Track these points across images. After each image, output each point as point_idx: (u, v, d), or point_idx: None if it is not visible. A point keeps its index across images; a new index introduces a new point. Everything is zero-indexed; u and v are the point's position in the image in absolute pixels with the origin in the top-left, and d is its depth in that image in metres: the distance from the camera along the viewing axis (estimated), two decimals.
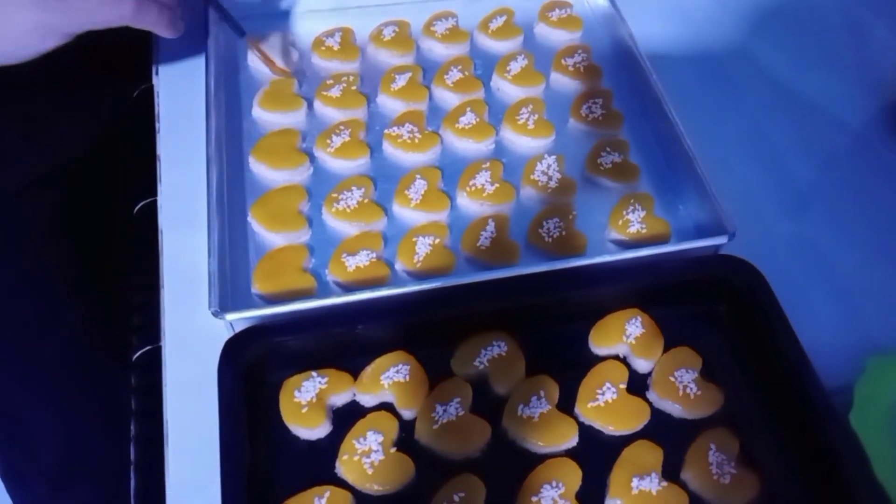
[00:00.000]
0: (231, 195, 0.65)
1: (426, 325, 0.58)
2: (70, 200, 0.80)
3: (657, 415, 0.56)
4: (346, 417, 0.55)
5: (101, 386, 0.88)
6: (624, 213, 0.65)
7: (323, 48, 0.76)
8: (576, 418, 0.55)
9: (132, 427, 0.59)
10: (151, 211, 0.68)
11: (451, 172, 0.69)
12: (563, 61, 0.76)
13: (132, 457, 0.58)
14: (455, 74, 0.74)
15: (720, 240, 0.61)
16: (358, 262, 0.61)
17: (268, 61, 0.73)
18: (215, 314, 0.55)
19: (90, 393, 0.88)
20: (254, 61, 0.75)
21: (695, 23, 0.84)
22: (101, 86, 0.79)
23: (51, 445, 0.89)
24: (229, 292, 0.59)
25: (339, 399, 0.56)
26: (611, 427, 0.55)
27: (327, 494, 0.51)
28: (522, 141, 0.71)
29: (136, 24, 0.60)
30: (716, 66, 0.81)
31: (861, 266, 0.67)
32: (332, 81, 0.73)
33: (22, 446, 0.90)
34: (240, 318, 0.56)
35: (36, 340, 0.81)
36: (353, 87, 0.73)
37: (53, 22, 0.57)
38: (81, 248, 0.83)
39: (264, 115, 0.71)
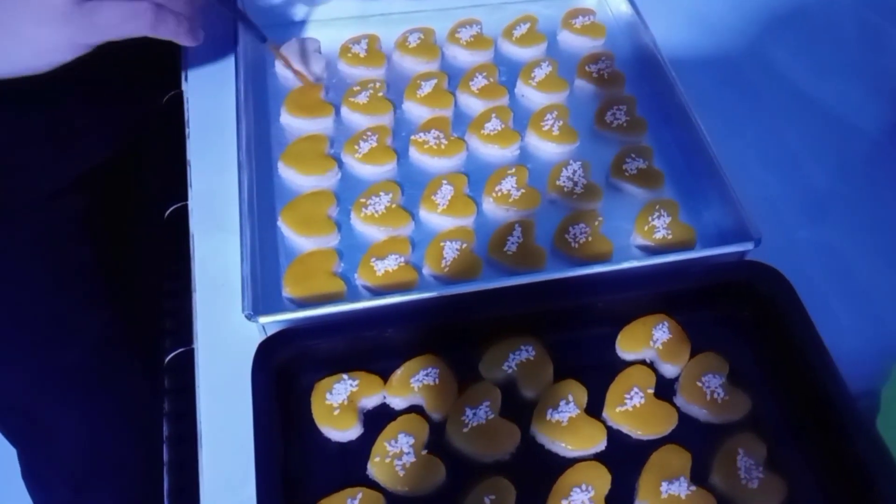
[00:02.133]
0: (260, 200, 0.66)
1: (454, 328, 0.59)
2: (100, 205, 0.81)
3: (684, 419, 0.57)
4: (377, 419, 0.56)
5: (126, 389, 0.89)
6: (649, 218, 0.65)
7: (350, 55, 0.77)
8: (604, 422, 0.56)
9: (165, 428, 0.60)
10: (181, 216, 0.69)
11: (476, 178, 0.69)
12: (586, 68, 0.77)
13: (165, 457, 0.59)
14: (480, 81, 0.75)
15: (746, 246, 0.62)
16: (387, 267, 0.62)
17: (289, 66, 0.74)
18: (248, 317, 0.56)
19: (114, 396, 0.88)
20: (281, 67, 0.76)
21: (715, 30, 0.85)
22: (130, 92, 0.80)
23: (73, 447, 0.89)
24: (260, 296, 0.60)
25: (370, 402, 0.57)
26: (639, 431, 0.55)
27: (360, 496, 0.52)
28: (547, 147, 0.72)
29: (155, 35, 0.61)
30: (736, 73, 0.81)
31: (884, 272, 0.68)
32: (358, 88, 0.74)
33: (44, 448, 0.90)
34: (272, 322, 0.57)
35: (62, 343, 0.82)
36: (380, 94, 0.74)
37: (75, 36, 0.58)
38: (110, 253, 0.84)
39: (292, 121, 0.72)
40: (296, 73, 0.74)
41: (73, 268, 0.81)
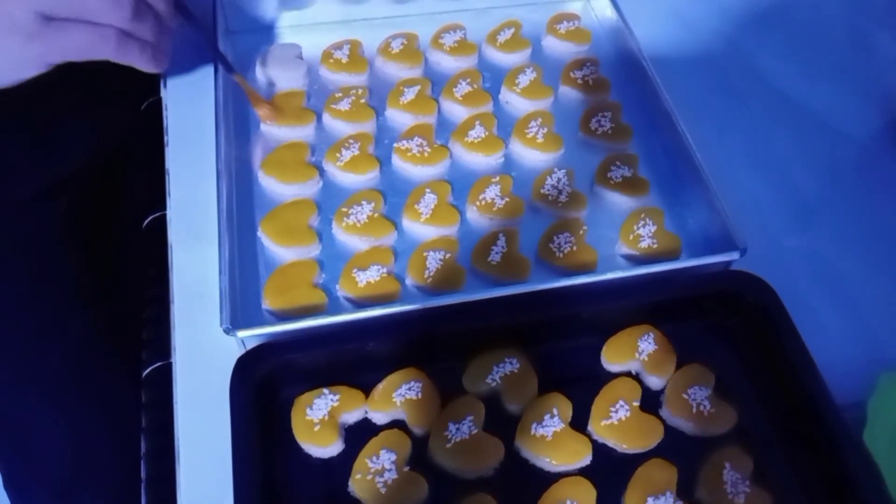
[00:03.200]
0: (240, 209, 0.65)
1: (437, 340, 0.58)
2: (79, 211, 0.80)
3: (670, 432, 0.56)
4: (358, 434, 0.55)
5: (109, 397, 0.88)
6: (635, 227, 0.65)
7: (331, 61, 0.76)
8: (589, 436, 0.55)
9: (142, 443, 0.59)
10: (160, 225, 0.68)
11: (460, 186, 0.69)
12: (571, 74, 0.76)
13: (143, 473, 0.58)
14: (464, 87, 0.74)
15: (731, 256, 0.61)
16: (369, 278, 0.61)
17: (253, 98, 0.71)
18: (227, 331, 0.55)
19: (97, 404, 0.87)
20: (261, 73, 0.75)
21: (702, 35, 0.84)
22: (110, 96, 0.79)
23: (55, 456, 0.88)
24: (240, 308, 0.59)
25: (352, 417, 0.56)
26: (624, 445, 0.55)
27: None
28: (531, 155, 0.71)
29: (117, 60, 0.60)
30: (722, 78, 0.81)
31: (871, 281, 0.67)
32: (340, 94, 0.73)
33: (26, 456, 0.89)
34: (251, 335, 0.56)
35: (42, 350, 0.81)
36: (363, 101, 0.73)
37: (38, 54, 0.58)
38: (90, 260, 0.83)
39: (273, 129, 0.71)
40: (258, 103, 0.71)
41: (53, 273, 0.80)
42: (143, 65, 0.61)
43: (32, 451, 0.88)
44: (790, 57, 0.84)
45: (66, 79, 0.71)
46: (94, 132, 0.79)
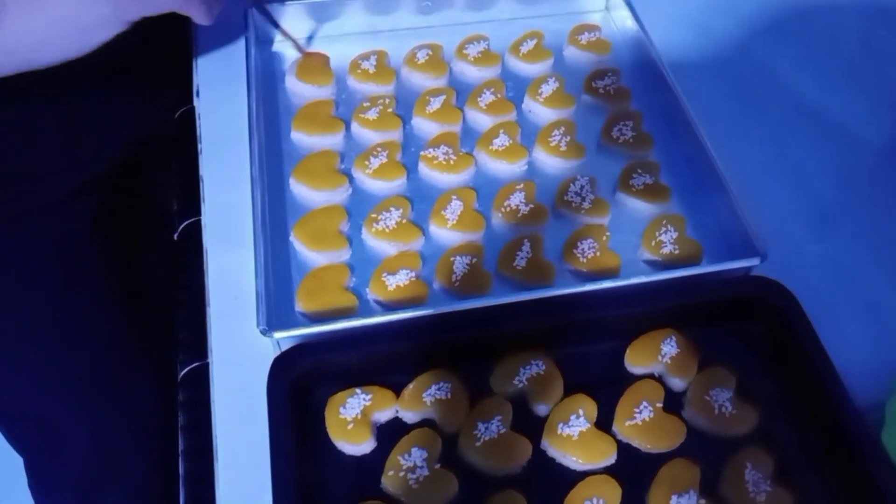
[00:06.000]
0: (273, 215, 0.67)
1: (465, 343, 0.59)
2: (107, 214, 0.81)
3: (692, 433, 0.57)
4: (390, 433, 0.57)
5: (134, 395, 0.89)
6: (657, 233, 0.66)
7: (359, 71, 0.78)
8: (614, 436, 0.57)
9: (180, 441, 0.61)
10: (193, 230, 0.70)
11: (485, 193, 0.70)
12: (593, 84, 0.78)
13: (181, 470, 0.59)
14: (488, 97, 0.76)
15: (752, 261, 0.62)
16: (398, 282, 0.63)
17: (290, 38, 0.76)
18: (263, 332, 0.57)
19: (123, 404, 0.89)
20: (292, 83, 0.77)
21: (721, 44, 0.86)
22: (140, 105, 0.81)
23: (80, 453, 0.90)
24: (274, 310, 0.61)
25: (383, 416, 0.57)
26: (648, 445, 0.56)
27: None
28: (554, 162, 0.73)
29: (181, 11, 0.64)
30: (742, 87, 0.82)
31: (889, 285, 0.68)
32: (368, 104, 0.75)
33: (51, 455, 0.91)
34: (287, 336, 0.58)
35: (70, 349, 0.83)
36: (390, 110, 0.75)
37: (116, 12, 0.61)
38: (118, 262, 0.85)
39: (303, 137, 0.73)
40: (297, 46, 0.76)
41: (81, 274, 0.82)
42: (200, 17, 0.66)
43: (58, 449, 0.90)
44: (807, 64, 0.85)
45: (99, 85, 0.73)
46: (126, 137, 0.82)
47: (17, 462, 0.91)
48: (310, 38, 0.82)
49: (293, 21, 0.80)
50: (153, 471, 0.92)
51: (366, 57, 0.79)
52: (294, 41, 0.78)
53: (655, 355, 0.60)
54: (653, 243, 0.66)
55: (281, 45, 0.81)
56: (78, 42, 0.62)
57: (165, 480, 0.92)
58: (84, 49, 0.62)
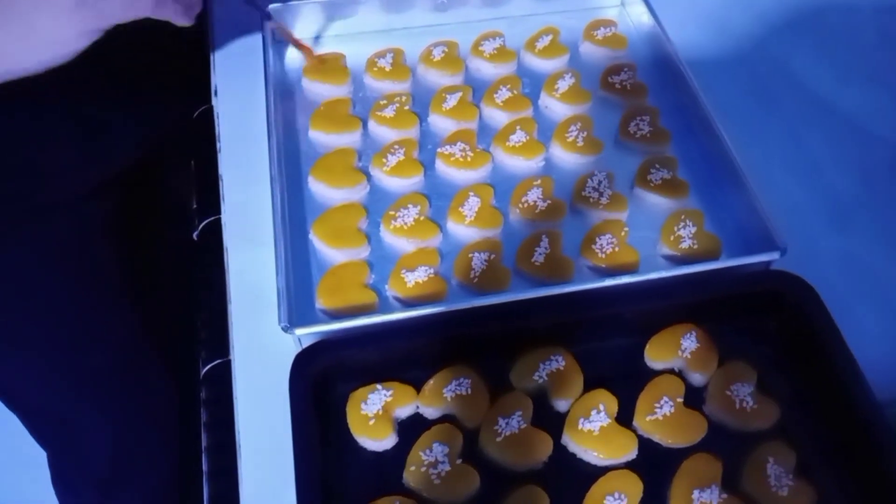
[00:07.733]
0: (292, 213, 0.68)
1: (485, 339, 0.60)
2: (124, 214, 0.82)
3: (713, 428, 0.57)
4: (411, 429, 0.57)
5: (153, 392, 0.90)
6: (675, 228, 0.66)
7: (375, 69, 0.78)
8: (634, 431, 0.57)
9: (203, 438, 0.61)
10: (212, 229, 0.70)
11: (502, 189, 0.71)
12: (609, 79, 0.78)
13: (204, 466, 0.60)
14: (504, 93, 0.76)
15: (771, 255, 0.62)
16: (417, 278, 0.63)
17: (291, 39, 0.76)
18: (285, 329, 0.58)
19: (142, 402, 0.90)
20: (309, 82, 0.77)
21: (737, 40, 0.86)
22: (159, 101, 0.82)
23: (100, 452, 0.91)
24: (295, 307, 0.61)
25: (404, 411, 0.58)
26: (669, 440, 0.56)
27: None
28: (572, 158, 0.73)
29: (155, 16, 0.63)
30: (758, 82, 0.82)
31: None
32: (385, 101, 0.75)
33: (72, 452, 0.92)
34: (308, 333, 0.58)
35: (88, 348, 0.84)
36: (406, 107, 0.75)
37: (87, 23, 0.60)
38: (135, 261, 0.85)
39: (321, 136, 0.73)
40: (298, 45, 0.76)
41: (99, 273, 0.82)
42: (178, 19, 0.64)
43: (78, 447, 0.91)
44: (823, 60, 0.85)
45: (118, 82, 0.74)
46: (143, 137, 0.82)
47: (41, 456, 0.93)
48: (317, 38, 0.82)
49: (309, 21, 0.81)
50: (172, 468, 0.93)
51: (382, 55, 0.79)
52: (305, 48, 0.78)
53: (675, 350, 0.60)
54: (671, 238, 0.66)
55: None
56: (48, 53, 0.61)
57: (184, 477, 0.93)
58: (56, 60, 0.61)
